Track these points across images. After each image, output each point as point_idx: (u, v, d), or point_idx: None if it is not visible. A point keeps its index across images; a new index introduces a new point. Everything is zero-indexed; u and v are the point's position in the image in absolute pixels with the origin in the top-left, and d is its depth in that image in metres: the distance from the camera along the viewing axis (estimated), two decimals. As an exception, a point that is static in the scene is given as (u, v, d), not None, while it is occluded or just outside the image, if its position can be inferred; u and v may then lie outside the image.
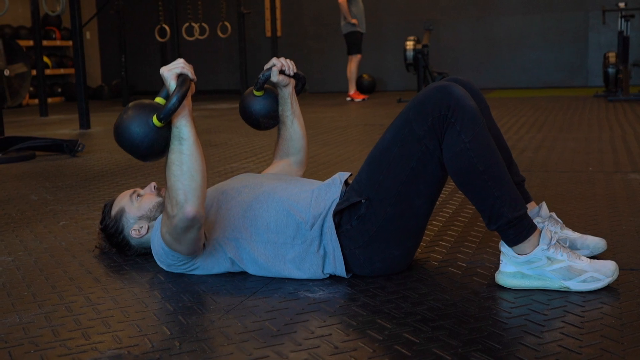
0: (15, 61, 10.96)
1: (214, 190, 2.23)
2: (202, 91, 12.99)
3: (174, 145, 1.88)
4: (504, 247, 1.94)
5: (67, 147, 4.96)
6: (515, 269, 1.92)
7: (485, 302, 1.83)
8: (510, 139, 5.06)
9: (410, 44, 9.09)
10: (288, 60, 2.41)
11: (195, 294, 1.97)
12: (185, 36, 10.41)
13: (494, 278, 1.98)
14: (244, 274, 2.11)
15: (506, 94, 10.08)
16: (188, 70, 1.89)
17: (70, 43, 12.66)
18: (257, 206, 2.10)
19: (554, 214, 2.20)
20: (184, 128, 1.88)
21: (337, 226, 2.03)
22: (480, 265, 2.14)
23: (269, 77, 2.38)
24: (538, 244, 1.90)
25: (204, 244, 2.07)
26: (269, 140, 5.55)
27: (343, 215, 2.03)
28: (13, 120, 8.26)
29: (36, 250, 2.49)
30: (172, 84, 1.87)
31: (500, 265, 1.95)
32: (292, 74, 2.41)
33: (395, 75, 11.60)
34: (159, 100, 1.89)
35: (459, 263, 2.17)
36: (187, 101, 1.89)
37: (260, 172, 2.62)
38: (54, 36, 12.47)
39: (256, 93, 2.42)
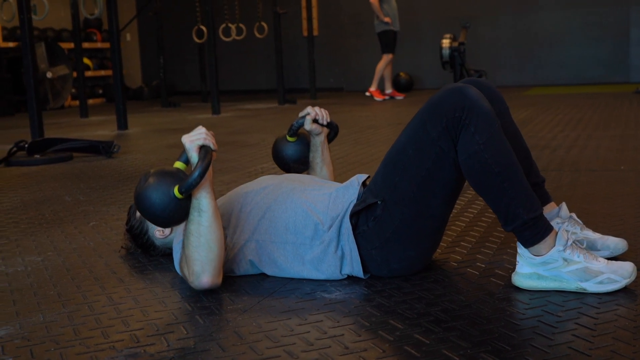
0: (57, 63, 11.18)
1: (234, 193, 2.27)
2: (240, 91, 13.10)
3: (193, 216, 1.91)
4: (520, 248, 1.94)
5: (103, 149, 5.06)
6: (531, 270, 1.92)
7: (499, 304, 1.83)
8: (544, 138, 5.02)
9: (446, 42, 9.05)
10: (323, 109, 2.47)
11: (214, 294, 2.01)
12: (222, 37, 10.51)
13: (511, 279, 1.98)
14: (263, 275, 2.14)
15: (545, 91, 9.97)
16: (210, 141, 1.92)
17: (109, 45, 12.86)
18: (276, 207, 2.13)
19: (573, 215, 2.19)
20: (203, 200, 1.91)
21: (354, 227, 2.05)
22: (499, 266, 2.14)
23: (303, 124, 2.45)
24: (554, 245, 1.89)
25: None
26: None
27: (360, 216, 2.05)
28: (54, 122, 8.44)
29: (65, 251, 2.56)
30: (194, 156, 1.90)
31: (517, 266, 1.95)
32: (325, 123, 2.47)
33: (433, 73, 11.54)
34: (178, 165, 1.93)
35: (478, 264, 2.18)
36: (208, 173, 1.91)
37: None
38: (94, 38, 12.68)
39: (289, 139, 2.52)
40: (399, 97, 10.07)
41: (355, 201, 2.08)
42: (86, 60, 12.26)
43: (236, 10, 10.79)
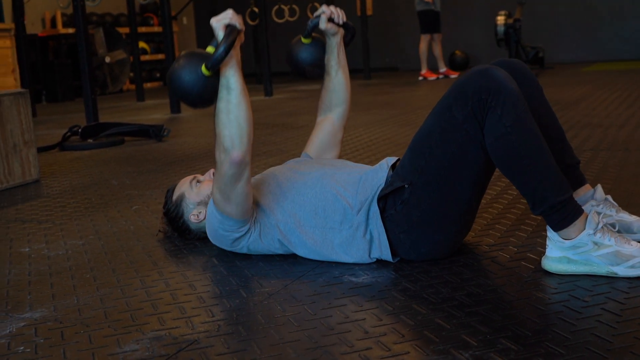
0: (115, 48, 11.40)
1: (266, 174, 2.28)
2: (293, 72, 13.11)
3: (222, 94, 1.94)
4: (549, 232, 1.91)
5: (153, 132, 5.14)
6: (560, 253, 1.89)
7: (526, 288, 1.81)
8: (597, 116, 4.90)
9: (501, 19, 8.90)
10: (338, 9, 2.40)
11: (243, 277, 2.03)
12: (274, 18, 10.53)
13: (541, 263, 1.95)
14: (293, 257, 2.16)
15: (605, 67, 9.71)
16: (236, 21, 1.94)
17: (167, 29, 13.03)
18: (306, 191, 2.13)
19: (609, 197, 2.14)
20: (231, 78, 1.94)
21: (382, 211, 2.04)
22: (531, 249, 2.11)
23: (318, 24, 2.36)
24: (584, 229, 1.86)
25: (254, 219, 2.12)
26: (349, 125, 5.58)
27: (388, 200, 2.04)
28: (111, 106, 8.61)
29: (106, 234, 2.62)
30: (220, 34, 1.93)
31: (547, 250, 1.92)
32: (341, 22, 2.38)
33: (489, 51, 11.33)
34: (209, 49, 1.96)
35: (511, 247, 2.15)
36: (235, 51, 1.94)
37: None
38: (151, 22, 12.86)
39: (304, 40, 2.41)
40: (454, 75, 9.94)
41: (383, 185, 2.08)
42: (143, 44, 12.46)
43: (289, -8, 10.79)
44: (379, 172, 2.13)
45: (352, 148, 4.23)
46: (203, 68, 1.89)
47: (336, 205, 2.08)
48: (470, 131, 1.90)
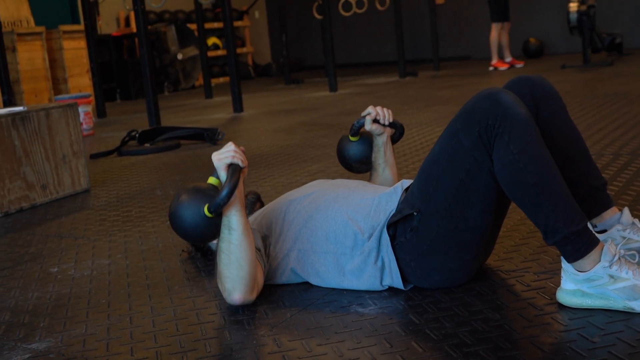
0: (187, 45, 11.57)
1: (280, 200, 2.25)
2: (366, 63, 13.03)
3: (224, 234, 1.91)
4: (563, 263, 1.81)
5: (207, 136, 5.18)
6: (575, 286, 1.79)
7: (534, 324, 1.72)
8: (663, 112, 4.66)
9: (573, 5, 8.56)
10: (385, 109, 2.38)
11: (251, 306, 2.00)
12: (341, 12, 10.46)
13: (557, 294, 1.85)
14: (306, 284, 2.12)
15: (687, 53, 9.25)
16: (238, 159, 1.90)
17: (239, 24, 13.14)
18: (317, 216, 2.09)
19: (637, 221, 2.02)
20: (233, 218, 1.90)
21: (393, 238, 1.98)
22: (552, 277, 2.01)
23: (363, 124, 2.38)
24: (599, 261, 1.75)
25: (266, 254, 2.10)
26: (403, 121, 5.49)
27: (398, 227, 1.98)
28: (179, 104, 8.75)
29: (133, 252, 2.65)
30: (222, 174, 1.90)
31: (561, 282, 1.82)
32: (387, 123, 2.37)
33: (564, 38, 10.96)
34: (212, 180, 1.94)
35: (531, 274, 2.05)
36: (238, 190, 1.91)
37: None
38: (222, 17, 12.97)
39: (351, 138, 2.46)
40: (519, 64, 9.64)
41: (394, 210, 2.02)
42: (215, 40, 12.60)
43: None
44: (393, 196, 2.07)
45: (401, 152, 4.15)
46: (205, 210, 1.86)
47: (347, 230, 2.04)
48: (478, 158, 1.82)
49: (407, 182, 2.12)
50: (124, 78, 10.67)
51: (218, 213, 1.88)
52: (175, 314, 2.01)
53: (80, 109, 6.25)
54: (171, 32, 11.30)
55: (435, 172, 1.89)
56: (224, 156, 1.91)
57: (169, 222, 1.95)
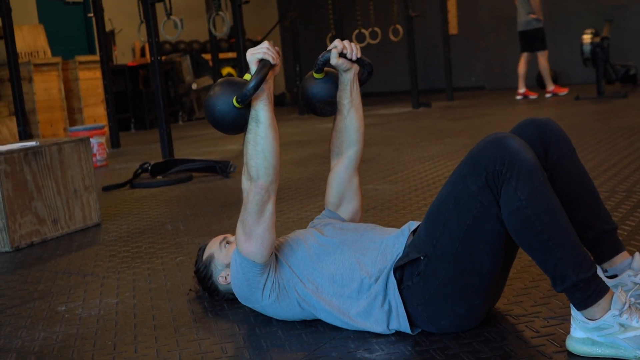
0: (202, 74, 11.66)
1: (288, 238, 2.24)
2: (379, 93, 13.07)
3: (251, 126, 1.99)
4: (573, 311, 1.78)
5: (219, 169, 5.20)
6: (584, 334, 1.76)
7: (544, 374, 1.69)
8: (677, 147, 4.63)
9: (587, 38, 8.56)
10: (353, 43, 2.25)
11: (258, 350, 1.99)
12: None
13: (566, 342, 1.83)
14: (314, 324, 2.10)
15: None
16: (270, 56, 1.97)
17: (253, 53, 13.22)
18: (325, 258, 2.08)
19: (648, 266, 1.99)
20: (261, 111, 1.98)
21: (399, 282, 1.96)
22: (562, 322, 1.98)
23: (329, 59, 2.19)
24: (609, 309, 1.73)
25: (273, 270, 2.08)
26: (416, 156, 5.49)
27: (405, 271, 1.96)
28: (192, 135, 8.79)
29: (141, 291, 2.64)
30: (252, 68, 1.98)
31: (571, 330, 1.80)
32: (354, 58, 2.22)
33: (579, 67, 10.94)
34: (247, 77, 2.00)
35: (540, 319, 2.02)
36: (267, 85, 1.99)
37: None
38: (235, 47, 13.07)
39: (315, 75, 2.27)
40: (533, 96, 9.62)
41: (402, 253, 2.00)
42: (230, 69, 12.68)
43: (371, 15, 10.76)
44: (400, 239, 2.05)
45: (412, 187, 4.13)
46: (234, 100, 1.95)
47: (354, 275, 2.02)
48: (485, 203, 1.80)
49: (414, 224, 2.10)
50: (139, 108, 10.75)
51: (246, 104, 1.97)
52: (180, 357, 1.99)
53: (94, 140, 6.29)
54: (186, 62, 11.40)
55: (442, 216, 1.88)
56: (257, 51, 1.98)
57: (204, 109, 2.05)
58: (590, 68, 9.76)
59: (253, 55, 1.98)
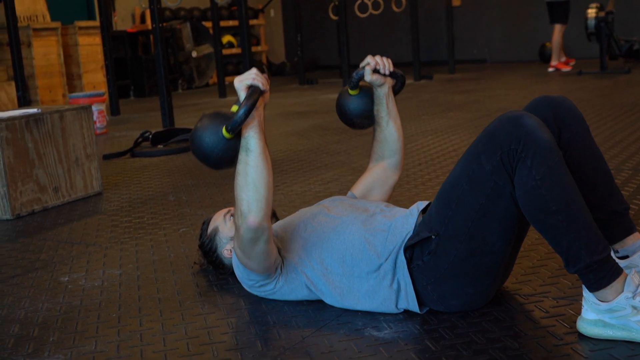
0: (202, 42, 11.54)
1: (296, 216, 2.22)
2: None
3: (241, 156, 1.90)
4: (585, 292, 1.77)
5: (220, 139, 5.14)
6: (596, 316, 1.74)
7: (554, 354, 1.68)
8: (683, 125, 4.60)
9: (591, 12, 8.48)
10: (384, 58, 2.29)
11: (264, 325, 1.98)
12: (358, 13, 10.41)
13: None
14: (320, 303, 2.08)
15: None
16: (259, 82, 1.90)
17: (254, 22, 13.10)
18: (334, 237, 2.06)
19: (660, 248, 1.97)
20: (251, 139, 1.90)
21: (409, 261, 1.94)
22: (572, 303, 1.96)
23: (363, 76, 2.28)
24: (622, 291, 1.71)
25: (280, 267, 2.07)
26: (419, 131, 5.44)
27: (415, 250, 1.94)
28: (192, 103, 8.72)
29: (145, 263, 2.62)
30: (241, 95, 1.90)
31: (582, 311, 1.78)
32: (387, 73, 2.27)
33: (582, 43, 10.85)
34: (234, 108, 1.92)
35: (550, 299, 2.01)
36: (257, 112, 1.91)
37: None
38: (237, 16, 12.93)
39: (350, 92, 2.34)
40: (572, 63, 9.49)
41: (411, 232, 1.98)
42: (230, 38, 12.57)
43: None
44: (409, 219, 2.03)
45: (416, 162, 4.10)
46: (224, 130, 1.87)
47: (364, 254, 2.00)
48: (500, 182, 1.78)
49: (422, 204, 2.08)
50: (138, 75, 10.64)
51: (236, 133, 1.88)
52: (186, 332, 1.98)
53: (94, 108, 6.23)
54: (186, 30, 11.28)
55: (454, 195, 1.85)
56: (245, 77, 1.91)
57: (190, 145, 1.97)
58: (593, 42, 9.71)
59: (241, 82, 1.89)
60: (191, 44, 11.37)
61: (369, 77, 2.26)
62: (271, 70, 13.40)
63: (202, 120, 1.93)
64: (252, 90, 1.88)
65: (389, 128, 2.35)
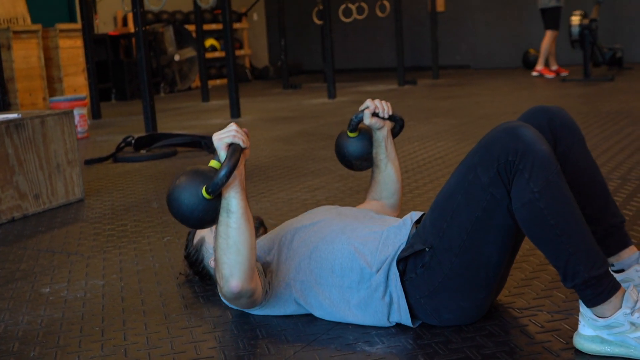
0: (184, 46, 11.47)
1: (284, 226, 2.17)
2: (365, 69, 12.96)
3: (222, 217, 1.82)
4: (582, 307, 1.73)
5: (204, 144, 5.09)
6: (593, 332, 1.71)
7: (552, 373, 1.64)
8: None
9: (575, 19, 8.50)
10: (384, 102, 2.30)
11: (253, 340, 1.92)
12: (342, 18, 10.39)
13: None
14: (310, 316, 2.03)
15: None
16: (240, 139, 1.82)
17: (238, 26, 13.04)
18: (323, 247, 2.01)
19: (656, 262, 1.94)
20: (232, 200, 1.82)
21: (402, 273, 1.90)
22: (567, 317, 1.93)
23: (362, 119, 2.29)
24: (620, 307, 1.67)
25: (266, 290, 2.01)
26: (402, 138, 5.41)
27: (408, 262, 1.89)
28: (175, 107, 8.64)
29: (129, 273, 2.55)
30: (222, 154, 1.81)
31: (579, 327, 1.74)
32: (386, 116, 2.29)
33: (565, 49, 10.90)
34: (213, 164, 1.85)
35: (544, 313, 1.97)
36: (239, 171, 1.82)
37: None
38: (221, 19, 12.87)
39: (350, 134, 2.35)
40: (564, 73, 9.49)
41: (405, 244, 1.93)
42: (213, 42, 12.50)
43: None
44: (402, 229, 1.98)
45: (403, 169, 4.05)
46: (203, 191, 1.78)
47: (353, 264, 1.95)
48: (496, 195, 1.74)
49: (416, 215, 2.04)
50: (120, 78, 10.55)
51: (216, 194, 1.79)
52: (172, 346, 1.92)
53: (75, 112, 6.14)
54: (169, 33, 11.20)
55: (449, 207, 1.81)
56: (225, 135, 1.82)
57: (167, 204, 1.84)
58: (577, 49, 9.73)
59: (221, 141, 1.80)
60: (174, 47, 11.29)
61: (368, 120, 2.27)
62: (254, 74, 13.35)
63: (180, 178, 1.81)
64: (233, 149, 1.79)
65: (388, 170, 2.35)
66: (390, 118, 2.31)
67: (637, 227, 2.64)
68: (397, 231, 1.98)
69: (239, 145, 1.81)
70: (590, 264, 1.67)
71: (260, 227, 2.33)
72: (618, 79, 8.53)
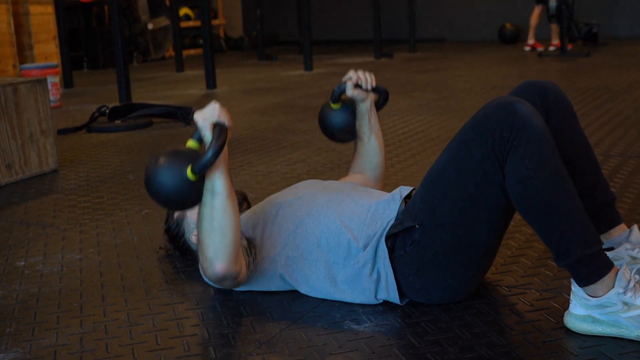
0: (158, 15, 11.26)
1: (268, 201, 2.11)
2: (341, 41, 12.85)
3: (206, 199, 1.76)
4: (574, 286, 1.70)
5: (181, 115, 5.00)
6: (585, 312, 1.68)
7: (543, 351, 1.61)
8: (648, 110, 4.60)
9: (553, -6, 8.47)
10: (367, 73, 2.24)
11: (237, 317, 1.88)
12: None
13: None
14: (296, 293, 1.99)
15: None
16: (224, 118, 1.76)
17: (212, -6, 12.83)
18: (309, 221, 1.96)
19: (646, 240, 1.92)
20: (217, 181, 1.75)
21: (391, 250, 1.86)
22: (556, 296, 1.90)
23: (344, 90, 2.24)
24: (613, 286, 1.65)
25: (251, 270, 1.96)
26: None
27: (397, 239, 1.85)
28: (149, 77, 8.50)
29: (106, 247, 2.49)
30: (207, 135, 1.75)
31: (570, 306, 1.72)
32: (369, 88, 2.24)
33: (541, 24, 10.89)
34: (191, 144, 1.78)
35: (533, 291, 1.94)
36: (223, 152, 1.76)
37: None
38: (196, -12, 12.65)
39: (332, 106, 2.31)
40: (540, 48, 9.47)
41: (394, 220, 1.89)
42: (187, 10, 12.30)
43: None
44: (391, 204, 1.94)
45: (384, 142, 4.01)
46: (188, 172, 1.70)
47: (340, 238, 1.90)
48: (489, 171, 1.70)
49: (405, 190, 1.99)
50: (92, 46, 10.35)
51: (202, 175, 1.73)
52: (154, 323, 1.87)
53: (47, 80, 5.99)
54: (142, 1, 10.98)
55: (441, 183, 1.77)
56: (210, 115, 1.75)
57: (145, 187, 1.76)
58: (554, 25, 9.69)
59: (205, 120, 1.74)
60: (147, 15, 11.08)
61: (350, 92, 2.23)
62: (229, 45, 13.18)
63: (160, 159, 1.73)
64: (220, 129, 1.72)
65: (371, 142, 2.31)
66: (374, 90, 2.26)
67: (622, 205, 2.63)
68: (386, 206, 1.93)
69: (224, 125, 1.75)
70: (583, 242, 1.64)
71: (243, 202, 2.27)
72: (594, 55, 8.54)
